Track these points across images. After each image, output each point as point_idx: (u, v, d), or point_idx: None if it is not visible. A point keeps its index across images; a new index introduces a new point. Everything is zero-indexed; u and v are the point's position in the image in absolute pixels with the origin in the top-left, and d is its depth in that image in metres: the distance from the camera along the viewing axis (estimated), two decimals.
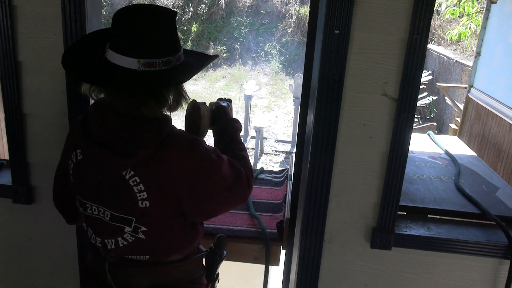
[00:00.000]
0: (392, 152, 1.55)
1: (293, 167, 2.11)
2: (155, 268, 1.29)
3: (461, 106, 6.33)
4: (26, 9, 1.58)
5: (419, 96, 8.90)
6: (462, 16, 5.59)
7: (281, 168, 2.49)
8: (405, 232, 1.66)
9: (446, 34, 6.27)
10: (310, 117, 1.66)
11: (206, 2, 14.52)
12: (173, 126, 1.24)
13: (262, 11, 14.54)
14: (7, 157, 1.91)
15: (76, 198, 1.31)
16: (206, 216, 1.32)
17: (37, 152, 1.74)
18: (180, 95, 1.25)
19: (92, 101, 1.64)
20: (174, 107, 1.26)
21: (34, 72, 1.64)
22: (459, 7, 5.19)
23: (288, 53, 13.92)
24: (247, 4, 14.61)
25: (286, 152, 8.11)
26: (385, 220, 1.63)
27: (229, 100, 1.72)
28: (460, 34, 5.55)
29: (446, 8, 5.28)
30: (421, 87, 9.00)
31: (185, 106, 1.30)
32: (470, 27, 5.46)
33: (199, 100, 1.54)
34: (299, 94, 7.81)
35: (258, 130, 6.76)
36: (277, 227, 1.82)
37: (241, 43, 14.29)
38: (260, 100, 11.35)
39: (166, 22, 1.18)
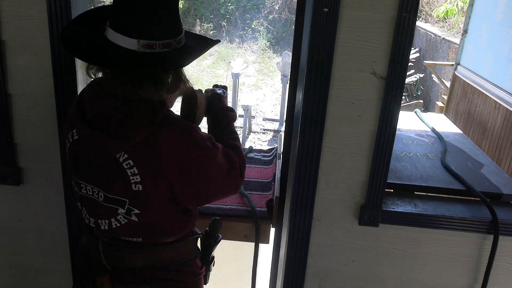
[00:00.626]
0: (380, 130, 1.57)
1: (282, 145, 2.12)
2: (149, 249, 1.29)
3: (448, 84, 6.37)
4: None
5: (407, 73, 8.91)
6: None
7: (270, 147, 2.49)
8: (392, 209, 1.69)
9: (433, 11, 6.27)
10: (299, 96, 1.66)
11: None
12: (169, 111, 1.24)
13: None
14: None
15: (71, 177, 1.31)
16: (198, 203, 1.32)
17: (24, 133, 1.72)
18: (179, 79, 1.23)
19: (80, 81, 1.63)
20: (172, 90, 1.24)
21: (19, 52, 1.60)
22: None
23: (275, 31, 13.80)
24: None
25: (274, 131, 8.12)
26: (373, 198, 1.65)
27: (225, 87, 1.71)
28: (447, 12, 5.55)
29: None
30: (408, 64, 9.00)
31: (182, 90, 1.29)
32: (457, 5, 5.47)
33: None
34: (287, 72, 7.80)
35: (246, 109, 6.75)
36: (266, 206, 1.84)
37: (228, 20, 14.11)
38: (247, 78, 11.29)
39: (168, 3, 1.16)
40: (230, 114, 1.53)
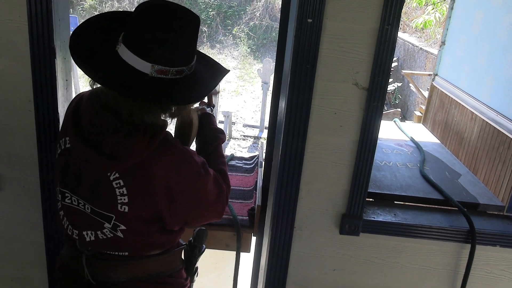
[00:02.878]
0: (362, 140, 1.59)
1: (263, 154, 2.12)
2: (134, 261, 1.26)
3: (425, 93, 6.50)
4: None
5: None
6: (428, 4, 5.72)
7: (252, 154, 2.49)
8: (373, 218, 1.71)
9: (412, 21, 6.41)
10: (282, 104, 1.67)
11: None
12: (168, 133, 1.20)
13: None
14: None
15: (56, 184, 1.27)
16: (182, 225, 1.30)
17: (1, 139, 1.67)
18: (184, 107, 1.24)
19: (60, 86, 1.61)
20: (175, 115, 1.23)
21: None
22: None
23: (256, 37, 13.85)
24: None
25: (254, 137, 8.13)
26: (354, 207, 1.66)
27: (213, 105, 1.71)
28: (425, 23, 5.68)
29: None
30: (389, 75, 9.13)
31: (185, 115, 1.32)
32: (435, 16, 5.60)
33: None
34: (268, 79, 7.81)
35: (227, 115, 6.74)
36: (248, 215, 1.84)
37: (209, 25, 14.10)
38: (228, 84, 11.28)
39: (189, 30, 1.12)
40: (220, 136, 1.51)
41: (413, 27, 6.47)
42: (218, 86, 1.72)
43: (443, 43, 3.20)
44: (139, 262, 1.27)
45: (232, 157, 2.38)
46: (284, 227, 1.70)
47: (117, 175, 1.13)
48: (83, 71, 1.10)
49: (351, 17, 1.47)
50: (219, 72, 1.30)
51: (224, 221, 1.81)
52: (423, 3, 5.49)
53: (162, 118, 1.19)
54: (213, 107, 1.70)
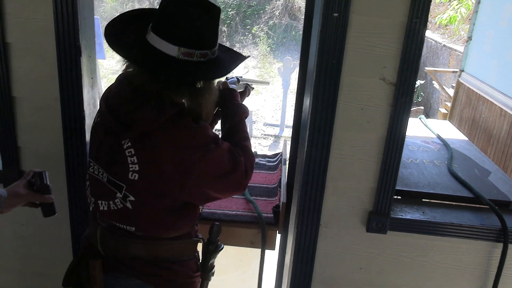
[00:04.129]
0: (389, 136, 1.55)
1: (287, 151, 2.10)
2: (143, 241, 1.30)
3: (449, 91, 6.37)
4: None
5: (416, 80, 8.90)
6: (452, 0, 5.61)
7: (275, 152, 2.48)
8: (401, 216, 1.67)
9: (436, 18, 6.28)
10: (307, 102, 1.65)
11: None
12: (182, 111, 1.24)
13: None
14: None
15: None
16: (199, 201, 1.32)
17: (28, 137, 1.70)
18: (210, 85, 1.29)
19: (86, 84, 1.62)
20: (200, 98, 1.29)
21: (24, 54, 1.59)
22: None
23: (276, 36, 13.81)
24: None
25: (275, 136, 8.10)
26: (381, 205, 1.63)
27: (239, 77, 1.70)
28: (450, 18, 5.55)
29: None
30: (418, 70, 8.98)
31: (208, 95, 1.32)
32: (460, 12, 5.46)
33: None
34: (288, 78, 7.74)
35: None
36: (273, 212, 1.82)
37: (228, 25, 14.12)
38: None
39: (211, 16, 1.21)
40: (241, 112, 1.51)
41: (438, 23, 6.34)
42: (251, 84, 1.74)
43: (469, 38, 3.13)
44: (148, 243, 1.30)
45: (255, 155, 2.37)
46: (309, 225, 1.68)
47: (129, 143, 1.20)
48: (118, 53, 1.20)
49: (378, 10, 1.44)
50: (240, 57, 1.38)
51: (249, 218, 1.80)
52: None
53: (192, 100, 1.26)
54: (239, 80, 1.68)
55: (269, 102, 10.20)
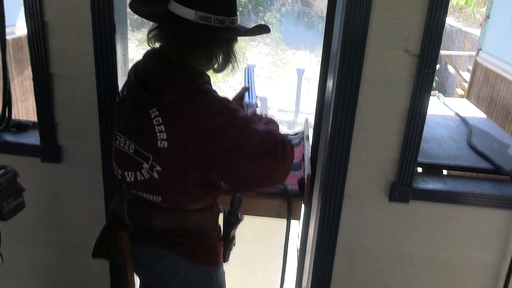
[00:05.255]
0: (412, 108, 1.60)
1: (309, 129, 2.16)
2: (168, 211, 1.34)
3: (464, 75, 6.34)
4: None
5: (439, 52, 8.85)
6: None
7: (296, 131, 2.53)
8: (423, 186, 1.73)
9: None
10: (331, 78, 1.70)
11: None
12: (209, 83, 1.29)
13: None
14: (32, 119, 1.95)
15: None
16: (225, 174, 1.30)
17: (64, 112, 1.78)
18: (230, 55, 1.32)
19: (119, 61, 1.69)
20: (221, 67, 1.33)
21: (61, 32, 1.66)
22: None
23: (288, 23, 13.77)
24: None
25: (290, 122, 8.15)
26: (403, 175, 1.69)
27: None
28: (466, 0, 5.51)
29: None
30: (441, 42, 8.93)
31: (233, 67, 1.36)
32: None
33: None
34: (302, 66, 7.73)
35: (263, 99, 6.79)
36: (298, 183, 1.89)
37: (241, 12, 14.11)
38: (261, 70, 11.30)
39: None
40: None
41: (454, 5, 6.29)
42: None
43: (487, 17, 3.13)
44: (172, 213, 1.35)
45: None
46: (333, 196, 1.74)
47: (156, 113, 1.23)
48: (142, 16, 1.29)
49: None
50: (260, 27, 1.36)
51: (275, 190, 1.87)
52: None
53: (210, 66, 1.31)
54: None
55: (282, 89, 10.24)
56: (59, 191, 1.92)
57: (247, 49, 12.45)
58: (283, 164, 1.27)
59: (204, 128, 1.21)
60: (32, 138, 1.88)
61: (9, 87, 1.83)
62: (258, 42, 13.46)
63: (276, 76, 11.19)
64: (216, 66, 1.32)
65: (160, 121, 1.23)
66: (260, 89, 8.45)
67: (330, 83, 1.74)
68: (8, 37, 3.09)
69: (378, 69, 1.58)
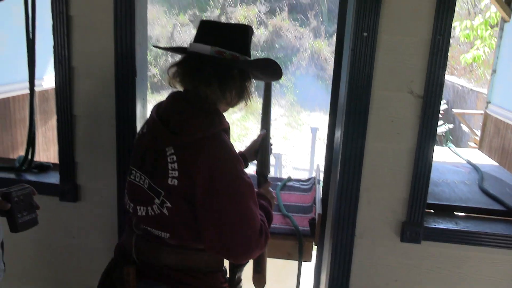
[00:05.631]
0: (418, 147, 1.65)
1: (319, 174, 2.20)
2: (174, 249, 1.36)
3: (478, 133, 6.37)
4: (81, 19, 1.75)
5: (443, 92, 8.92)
6: (476, 39, 5.73)
7: (308, 177, 2.57)
8: (434, 226, 1.73)
9: (461, 58, 6.39)
10: (339, 126, 1.77)
11: None
12: (226, 133, 1.38)
13: (276, 46, 14.93)
14: (52, 161, 2.03)
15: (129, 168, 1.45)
16: (208, 227, 1.29)
17: (84, 152, 1.86)
18: (243, 91, 1.41)
19: (138, 105, 1.79)
20: (235, 101, 1.42)
21: (86, 76, 1.79)
22: (472, 31, 5.35)
23: (303, 86, 14.17)
24: (262, 39, 15.02)
25: None
26: (414, 214, 1.70)
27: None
28: (474, 58, 5.68)
29: (459, 32, 5.45)
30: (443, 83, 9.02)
31: (246, 104, 1.45)
32: (484, 51, 5.60)
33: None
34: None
35: (277, 157, 6.88)
36: (309, 224, 1.90)
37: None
38: (276, 131, 11.50)
39: (240, 26, 1.41)
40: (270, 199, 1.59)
41: (463, 63, 6.45)
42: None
43: (494, 71, 3.23)
44: (180, 251, 1.36)
45: (289, 179, 2.47)
46: (345, 236, 1.75)
47: (172, 151, 1.29)
48: (167, 51, 1.47)
49: (404, 30, 1.58)
50: (274, 66, 1.43)
51: (286, 230, 1.88)
52: (471, 38, 5.52)
53: (223, 98, 1.37)
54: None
55: (297, 148, 10.35)
56: (75, 230, 1.96)
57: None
58: (259, 237, 1.32)
59: (209, 172, 1.26)
60: (52, 178, 1.96)
61: (34, 129, 1.94)
62: (274, 105, 13.79)
63: (291, 136, 11.35)
64: (229, 99, 1.40)
65: (174, 159, 1.28)
66: (275, 147, 8.58)
67: (338, 133, 1.80)
68: (36, 89, 3.29)
69: (384, 110, 1.65)
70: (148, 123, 1.40)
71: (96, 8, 1.74)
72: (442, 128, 8.97)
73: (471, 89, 8.28)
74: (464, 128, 7.51)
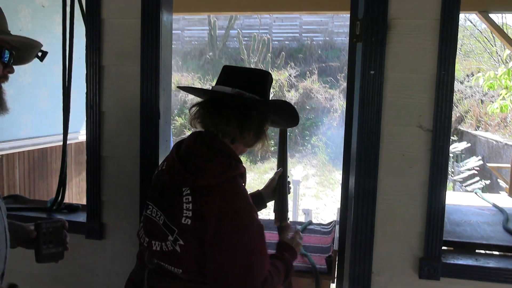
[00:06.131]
0: (432, 179, 1.66)
1: (339, 214, 2.21)
2: (187, 284, 1.38)
3: None
4: (111, 68, 1.92)
5: (472, 181, 8.73)
6: (501, 88, 5.72)
7: (329, 221, 2.58)
8: (453, 262, 1.70)
9: (488, 108, 6.35)
10: (352, 176, 1.82)
11: None
12: (242, 176, 1.45)
13: (307, 107, 15.20)
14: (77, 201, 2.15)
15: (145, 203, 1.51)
16: (212, 268, 1.36)
17: (110, 191, 1.97)
18: (260, 133, 1.49)
19: (162, 145, 1.91)
20: (252, 142, 1.49)
21: (115, 120, 1.93)
22: (496, 81, 5.37)
23: (334, 145, 14.21)
24: (293, 101, 15.37)
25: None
26: (431, 249, 1.68)
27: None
28: (501, 107, 5.64)
29: (484, 82, 5.47)
30: (472, 172, 8.86)
31: (263, 145, 1.53)
32: (510, 100, 5.57)
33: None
34: None
35: (307, 212, 6.82)
36: (326, 261, 1.90)
37: (288, 137, 14.77)
38: (308, 190, 11.45)
39: (261, 73, 1.51)
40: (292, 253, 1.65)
41: (490, 113, 6.40)
42: (289, 185, 1.95)
43: None
44: (190, 285, 1.38)
45: (310, 223, 2.48)
46: (361, 273, 1.73)
47: (188, 191, 1.35)
48: (191, 93, 1.58)
49: (410, 67, 1.66)
50: (293, 112, 1.52)
51: (303, 268, 1.88)
52: (495, 87, 5.51)
53: (241, 137, 1.44)
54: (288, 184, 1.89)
55: (329, 206, 10.21)
56: (99, 268, 2.03)
57: (292, 165, 12.80)
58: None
59: (219, 215, 1.31)
60: (80, 218, 2.06)
61: (66, 170, 2.08)
62: (305, 164, 13.83)
63: (323, 195, 11.26)
64: (247, 139, 1.47)
65: (190, 199, 1.34)
66: (306, 203, 8.51)
67: (352, 179, 1.83)
68: (72, 142, 3.54)
69: (395, 145, 1.69)
70: (168, 160, 1.48)
71: (125, 58, 1.91)
72: (478, 184, 8.72)
73: (506, 144, 8.11)
74: (502, 183, 7.28)
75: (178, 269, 1.37)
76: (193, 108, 1.50)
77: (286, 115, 1.55)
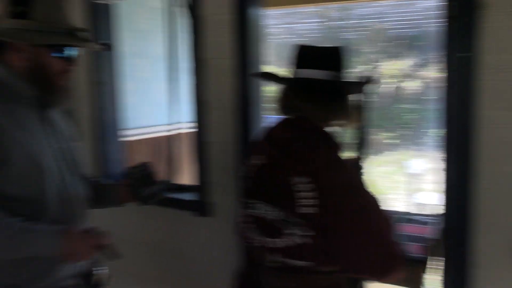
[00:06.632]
0: None
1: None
2: (307, 276, 1.32)
3: None
4: (212, 62, 2.13)
5: None
6: None
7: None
8: None
9: None
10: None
11: None
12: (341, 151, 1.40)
13: (426, 97, 14.36)
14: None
15: (242, 201, 1.45)
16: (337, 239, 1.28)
17: (216, 173, 2.17)
18: (351, 109, 1.42)
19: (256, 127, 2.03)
20: (345, 121, 1.43)
21: (215, 108, 2.13)
22: None
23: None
24: (412, 92, 14.60)
25: None
26: None
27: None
28: None
29: None
30: None
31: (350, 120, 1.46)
32: None
33: None
34: None
35: (422, 206, 6.48)
36: (423, 251, 1.85)
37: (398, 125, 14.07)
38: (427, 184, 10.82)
39: (339, 50, 1.41)
40: None
41: None
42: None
43: None
44: (312, 277, 1.33)
45: (409, 213, 2.42)
46: (460, 264, 1.71)
47: (300, 179, 1.27)
48: (277, 82, 1.47)
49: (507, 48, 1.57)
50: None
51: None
52: None
53: (333, 124, 1.40)
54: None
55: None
56: (208, 242, 2.25)
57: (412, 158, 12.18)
58: (388, 265, 1.29)
59: (337, 194, 1.27)
60: (187, 197, 2.32)
61: (175, 155, 2.33)
62: (427, 158, 13.08)
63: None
64: (341, 120, 1.41)
65: (304, 188, 1.26)
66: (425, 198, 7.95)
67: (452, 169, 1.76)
68: (179, 131, 3.78)
69: (495, 131, 1.61)
70: (266, 153, 1.39)
71: (224, 54, 2.08)
72: None
73: None
74: None
75: (308, 261, 1.30)
76: (281, 95, 1.44)
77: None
